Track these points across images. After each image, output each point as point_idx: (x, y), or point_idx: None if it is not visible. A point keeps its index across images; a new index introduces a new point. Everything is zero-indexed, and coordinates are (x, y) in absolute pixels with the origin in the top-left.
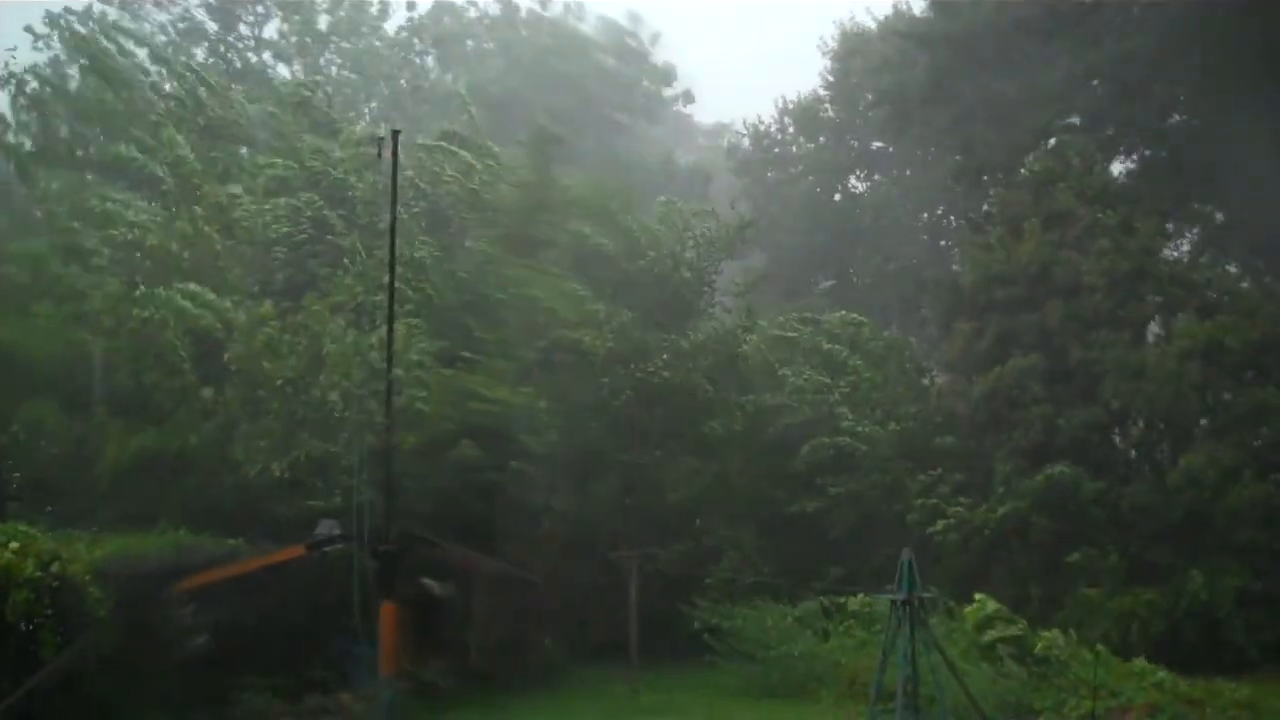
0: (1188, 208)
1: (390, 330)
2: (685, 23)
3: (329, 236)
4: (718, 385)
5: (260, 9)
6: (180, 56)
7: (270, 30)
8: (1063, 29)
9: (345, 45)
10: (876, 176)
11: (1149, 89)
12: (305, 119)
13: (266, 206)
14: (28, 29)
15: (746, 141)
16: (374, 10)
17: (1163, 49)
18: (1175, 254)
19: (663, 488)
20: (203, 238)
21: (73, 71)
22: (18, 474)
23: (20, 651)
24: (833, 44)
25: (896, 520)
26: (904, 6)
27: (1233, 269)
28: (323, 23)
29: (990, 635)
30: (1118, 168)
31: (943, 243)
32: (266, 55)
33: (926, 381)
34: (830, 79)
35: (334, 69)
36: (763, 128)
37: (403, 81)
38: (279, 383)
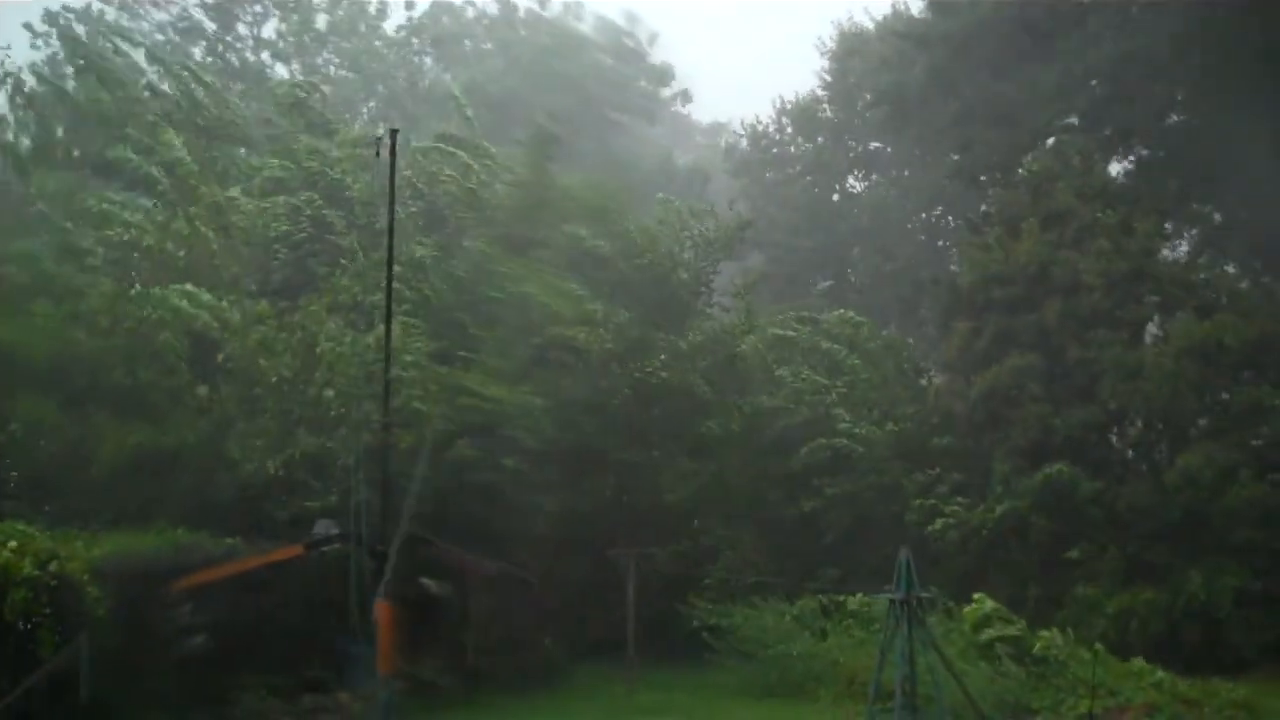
0: (1186, 208)
1: (388, 329)
2: (684, 22)
3: (329, 236)
4: (715, 386)
5: (258, 8)
6: (178, 56)
7: (269, 30)
8: (1061, 29)
9: (344, 45)
10: (875, 177)
11: (1148, 89)
12: (301, 120)
13: (266, 205)
14: (26, 26)
15: (744, 142)
16: (372, 10)
17: (1162, 49)
18: (1174, 254)
19: (660, 488)
20: (199, 238)
21: (70, 71)
22: (15, 473)
23: (19, 650)
24: (831, 44)
25: (894, 520)
26: (902, 7)
27: (1231, 269)
28: (321, 22)
29: (988, 635)
30: (1116, 168)
31: (941, 243)
32: (265, 55)
33: (924, 381)
34: (828, 79)
35: (332, 68)
36: (761, 128)
37: (401, 80)
38: (274, 380)
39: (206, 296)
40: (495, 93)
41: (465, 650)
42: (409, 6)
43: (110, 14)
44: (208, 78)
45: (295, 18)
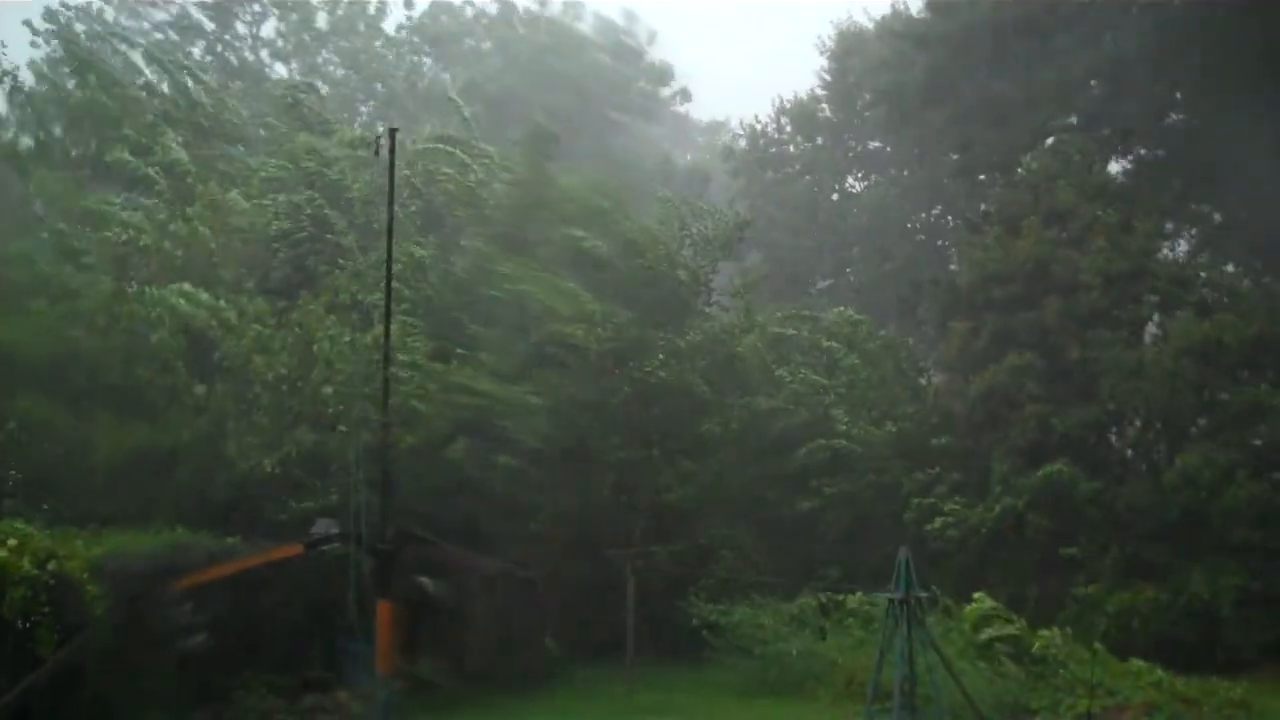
0: (1186, 208)
1: (387, 328)
2: (684, 21)
3: (329, 236)
4: (715, 385)
5: (257, 8)
6: (177, 55)
7: (268, 29)
8: (1061, 29)
9: (343, 44)
10: (874, 176)
11: (1148, 89)
12: (298, 120)
13: (267, 202)
14: (26, 23)
15: (743, 142)
16: (372, 10)
17: (1162, 49)
18: (1173, 254)
19: (660, 487)
20: (197, 237)
21: (68, 69)
22: (14, 471)
23: (18, 649)
24: (830, 44)
25: (894, 520)
26: (902, 6)
27: (1230, 269)
28: (321, 21)
29: (987, 634)
30: (1115, 167)
31: (940, 243)
32: (264, 54)
33: (924, 381)
34: (827, 78)
35: (331, 68)
36: (760, 127)
37: (400, 79)
38: (270, 377)
39: (204, 296)
40: (494, 92)
41: (465, 649)
42: (408, 6)
43: (109, 13)
44: (205, 76)
45: (294, 17)
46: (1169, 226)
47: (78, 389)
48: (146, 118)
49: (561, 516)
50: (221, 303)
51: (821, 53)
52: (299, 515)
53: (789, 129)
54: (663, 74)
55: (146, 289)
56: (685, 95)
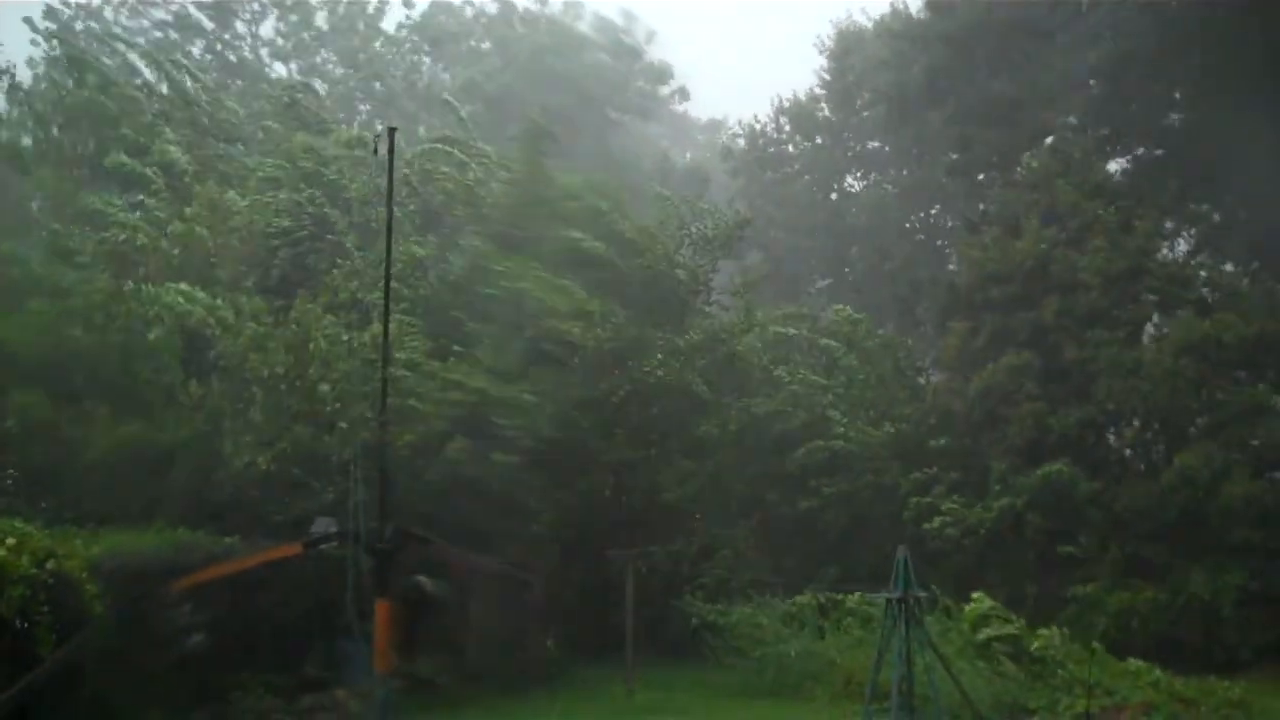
0: (1185, 207)
1: (386, 327)
2: (683, 21)
3: (329, 236)
4: (713, 386)
5: (256, 6)
6: (175, 54)
7: (267, 28)
8: (1060, 28)
9: (343, 44)
10: (873, 176)
11: (1147, 89)
12: (295, 119)
13: (268, 199)
14: (26, 20)
15: (742, 141)
16: (371, 9)
17: (1162, 49)
18: (1172, 254)
19: (658, 487)
20: (194, 236)
21: (65, 69)
22: (12, 470)
23: (16, 648)
24: (829, 43)
25: (892, 520)
26: (901, 6)
27: (1229, 268)
28: (320, 20)
29: (986, 634)
30: (1114, 167)
31: (938, 242)
32: (264, 53)
33: (922, 380)
34: (826, 78)
35: (331, 66)
36: (759, 127)
37: (399, 79)
38: (265, 374)
39: (201, 294)
40: (492, 91)
41: (463, 649)
42: (407, 5)
43: (109, 12)
44: (204, 76)
45: (294, 17)
46: (1168, 226)
47: (75, 387)
48: (144, 117)
49: (560, 516)
50: (218, 301)
51: (821, 52)
52: (297, 514)
53: (788, 128)
54: (661, 73)
55: (143, 287)
56: (684, 94)
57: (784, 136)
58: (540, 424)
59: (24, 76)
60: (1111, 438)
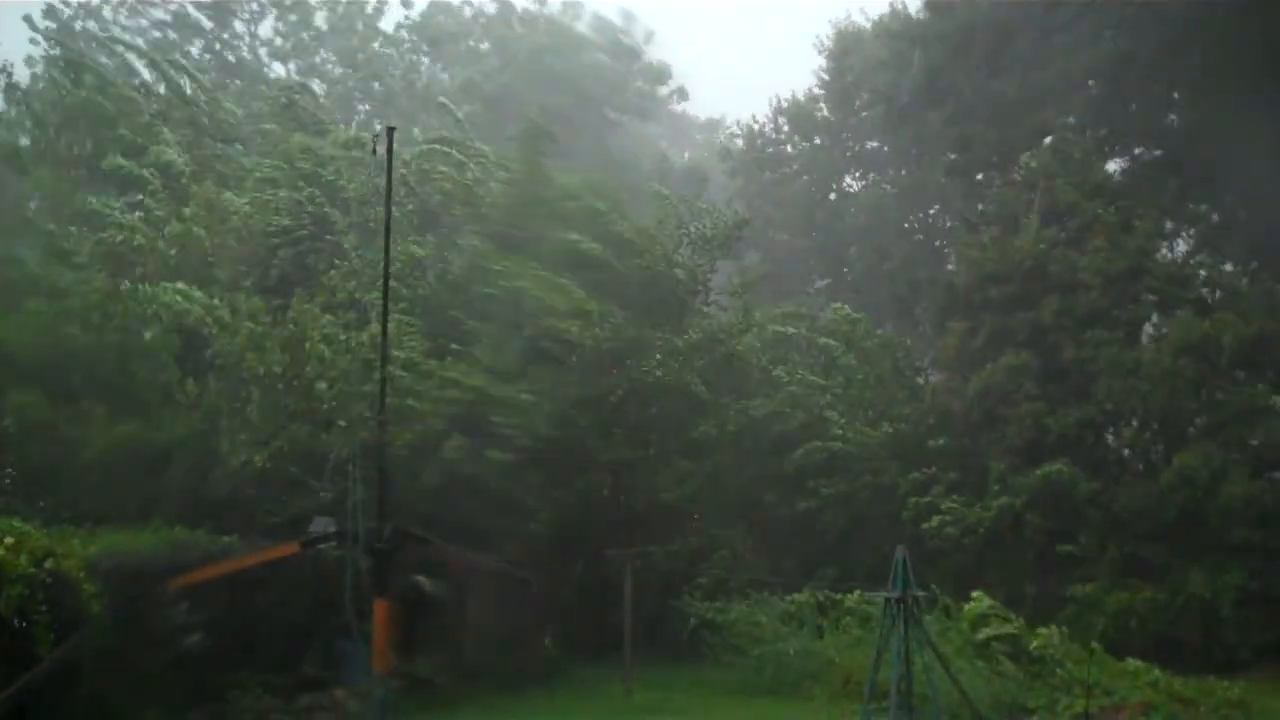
0: (1184, 208)
1: (384, 327)
2: (681, 20)
3: (329, 237)
4: (711, 386)
5: (255, 6)
6: (174, 54)
7: (266, 28)
8: (1059, 28)
9: (341, 44)
10: (871, 176)
11: (1147, 89)
12: (292, 120)
13: (269, 197)
14: (26, 19)
15: (740, 142)
16: (369, 9)
17: (1161, 49)
18: (1171, 254)
19: (657, 487)
20: (191, 237)
21: (62, 69)
22: (9, 469)
23: (14, 648)
24: (828, 43)
25: (891, 520)
26: (900, 6)
27: (1228, 268)
28: (319, 20)
29: (985, 633)
30: (1113, 167)
31: (937, 243)
32: (263, 52)
33: (921, 380)
34: (825, 78)
35: (330, 66)
36: (757, 127)
37: (397, 79)
38: (261, 373)
39: (198, 294)
40: (491, 91)
41: (462, 648)
42: (406, 5)
43: (107, 11)
44: (202, 76)
45: (293, 17)
46: (1168, 226)
47: (73, 387)
48: (142, 118)
49: (559, 515)
50: (215, 301)
51: (820, 52)
52: (294, 513)
53: (786, 129)
54: (660, 73)
55: (140, 286)
56: (682, 94)
57: (782, 137)
58: (538, 423)
59: (23, 76)
60: (1110, 438)
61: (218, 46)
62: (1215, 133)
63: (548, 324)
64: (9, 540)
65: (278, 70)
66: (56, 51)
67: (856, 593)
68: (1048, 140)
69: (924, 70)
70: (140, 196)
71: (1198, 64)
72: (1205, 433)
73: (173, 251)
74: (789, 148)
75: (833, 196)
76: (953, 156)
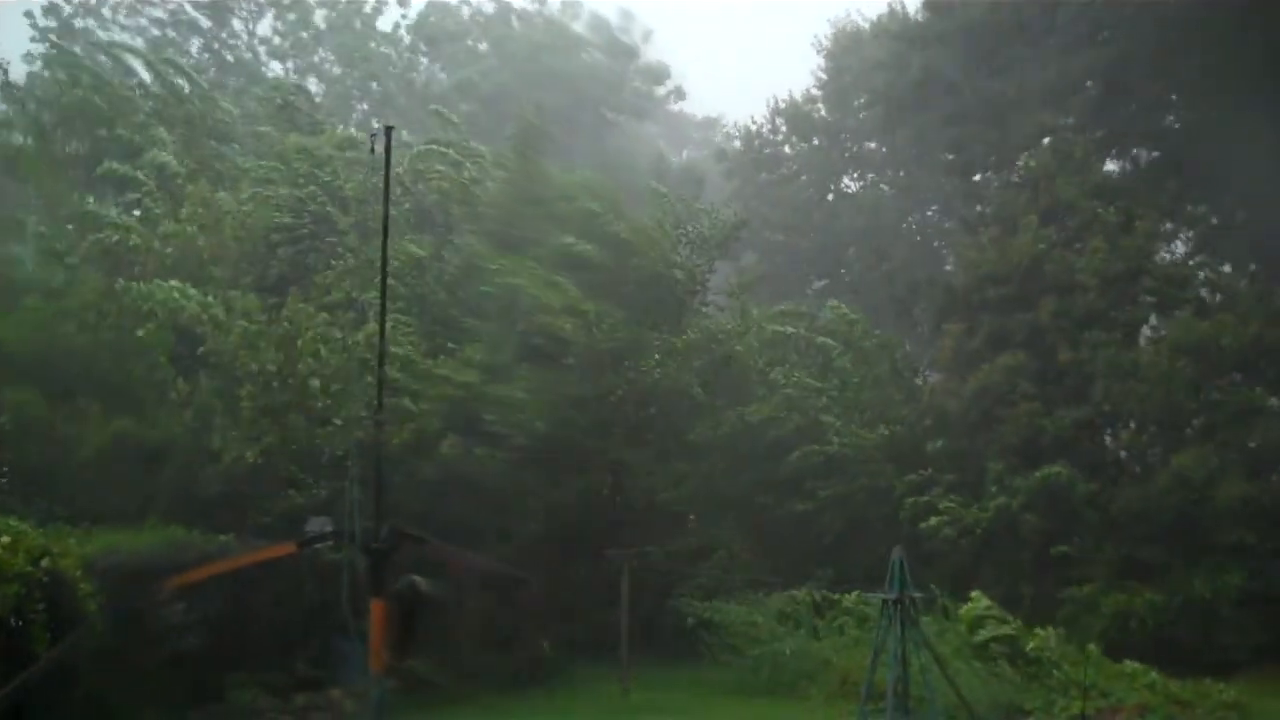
0: (1183, 209)
1: (383, 326)
2: (679, 19)
3: (329, 239)
4: (708, 388)
5: (253, 6)
6: (171, 54)
7: (264, 27)
8: (1058, 29)
9: (339, 42)
10: (869, 177)
11: (1145, 90)
12: (288, 121)
13: (269, 194)
14: (27, 15)
15: (737, 143)
16: (368, 9)
17: (1161, 49)
18: (1170, 255)
19: (655, 488)
20: (186, 236)
21: (59, 69)
22: (5, 468)
23: (11, 647)
24: (827, 43)
25: (888, 521)
26: (898, 6)
27: (1227, 270)
28: (318, 19)
29: (983, 635)
30: (1111, 168)
31: (935, 243)
32: (262, 51)
33: (919, 382)
34: (823, 77)
35: (328, 65)
36: (754, 128)
37: (395, 76)
38: (254, 368)
39: (193, 291)
40: (488, 90)
41: (459, 648)
42: (402, 4)
43: (106, 10)
44: (198, 76)
45: (292, 16)
46: (1167, 227)
47: (68, 385)
48: (138, 117)
49: (557, 515)
50: (210, 299)
51: (818, 52)
52: (290, 511)
53: (784, 129)
54: (658, 73)
55: (134, 284)
56: (680, 94)
57: (780, 138)
58: (534, 422)
59: (19, 75)
60: (1108, 439)
61: (216, 46)
62: (1214, 134)
63: (540, 321)
64: (5, 539)
65: (276, 69)
66: (54, 51)
67: (854, 593)
68: (1046, 141)
69: (922, 71)
70: (137, 196)
71: (1197, 64)
72: (1203, 434)
73: (169, 250)
74: (787, 148)
75: (830, 197)
76: (951, 157)
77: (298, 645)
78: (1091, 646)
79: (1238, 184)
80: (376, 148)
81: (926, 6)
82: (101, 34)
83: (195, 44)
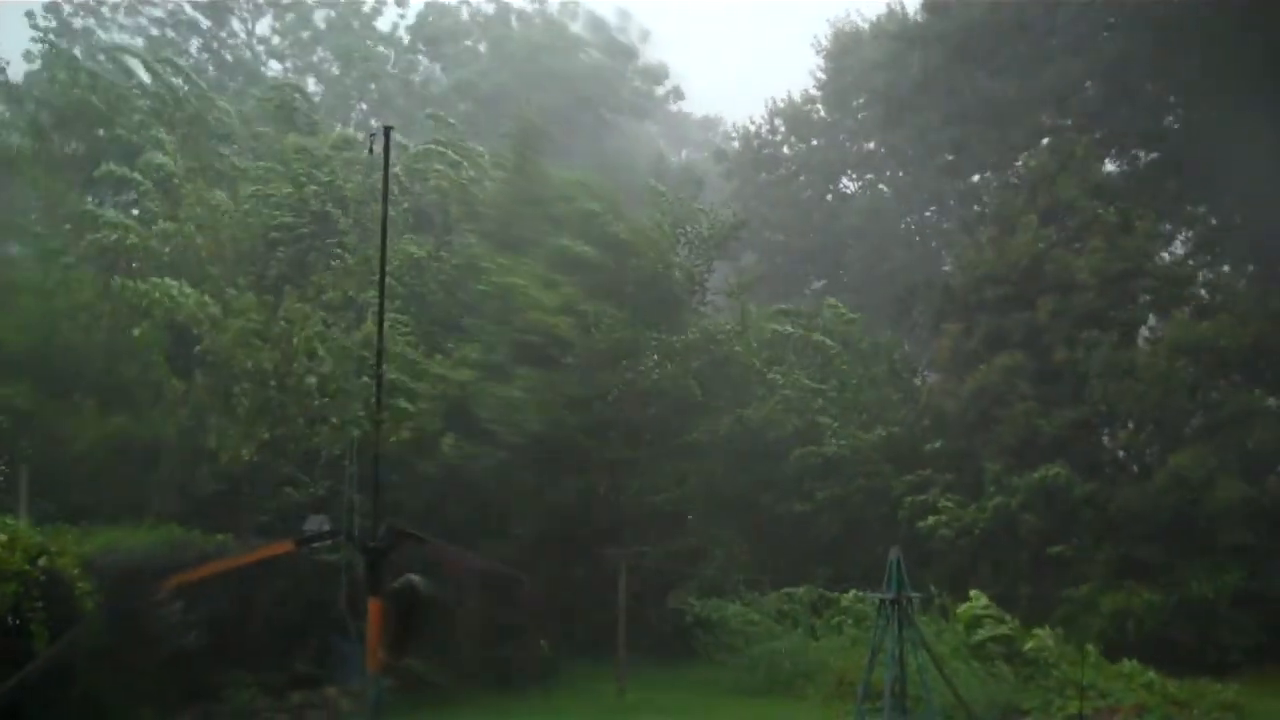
0: (1182, 210)
1: (381, 325)
2: (678, 19)
3: (328, 239)
4: (707, 389)
5: (252, 5)
6: (170, 51)
7: (263, 27)
8: (1058, 29)
9: (338, 42)
10: (868, 177)
11: (1145, 90)
12: (285, 121)
13: (270, 191)
14: (28, 14)
15: (736, 143)
16: (367, 9)
17: (1161, 49)
18: (1169, 256)
19: (653, 488)
20: (184, 235)
21: (56, 69)
22: (3, 466)
23: (9, 646)
24: (826, 43)
25: (886, 522)
26: (897, 7)
27: (1226, 270)
28: (318, 19)
29: (980, 634)
30: (1111, 168)
31: (934, 244)
32: (260, 50)
33: (918, 382)
34: (822, 77)
35: (327, 65)
36: (753, 129)
37: (394, 76)
38: (249, 366)
39: (190, 290)
40: (487, 90)
41: (457, 647)
42: (400, 4)
43: (105, 10)
44: (197, 77)
45: (291, 16)
46: (1166, 228)
47: (66, 383)
48: (136, 117)
49: (555, 515)
50: (206, 298)
51: (817, 52)
52: (287, 510)
53: (783, 130)
54: (657, 73)
55: (130, 282)
56: (679, 94)
57: (779, 138)
58: (530, 421)
59: (16, 74)
60: (1106, 439)
61: (215, 46)
62: (1214, 134)
63: (539, 320)
64: (3, 537)
65: (275, 69)
66: (52, 50)
67: (852, 592)
68: (1046, 141)
69: (922, 71)
70: (135, 195)
71: (1197, 64)
72: (1201, 434)
73: (166, 249)
74: (786, 149)
75: (829, 198)
76: (950, 158)
77: (296, 644)
78: (1089, 646)
79: (1237, 184)
80: (375, 148)
81: (926, 7)
82: (101, 34)
83: (194, 44)
